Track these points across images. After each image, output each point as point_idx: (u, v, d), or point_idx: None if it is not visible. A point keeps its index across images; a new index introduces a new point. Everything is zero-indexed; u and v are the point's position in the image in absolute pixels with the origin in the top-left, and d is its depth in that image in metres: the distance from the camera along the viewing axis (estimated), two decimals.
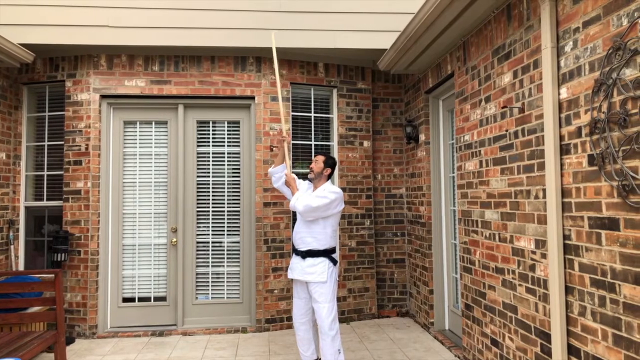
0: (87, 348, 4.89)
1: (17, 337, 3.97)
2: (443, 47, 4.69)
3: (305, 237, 3.93)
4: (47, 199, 5.52)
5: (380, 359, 4.51)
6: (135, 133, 5.63)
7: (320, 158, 4.09)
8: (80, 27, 5.16)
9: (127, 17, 5.19)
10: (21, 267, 5.44)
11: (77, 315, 5.23)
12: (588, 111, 2.65)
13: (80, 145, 5.34)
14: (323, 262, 3.87)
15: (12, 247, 5.33)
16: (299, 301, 4.01)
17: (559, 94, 2.92)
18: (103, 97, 5.45)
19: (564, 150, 2.87)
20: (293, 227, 4.27)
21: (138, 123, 5.63)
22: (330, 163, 4.09)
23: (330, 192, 3.92)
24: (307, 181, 4.19)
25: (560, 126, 2.90)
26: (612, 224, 2.48)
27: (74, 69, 5.43)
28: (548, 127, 2.94)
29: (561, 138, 2.90)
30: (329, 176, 4.11)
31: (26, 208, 5.52)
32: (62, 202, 5.37)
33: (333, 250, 3.97)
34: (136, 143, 5.62)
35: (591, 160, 2.64)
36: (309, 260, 3.89)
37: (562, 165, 2.89)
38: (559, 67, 2.92)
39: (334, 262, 3.94)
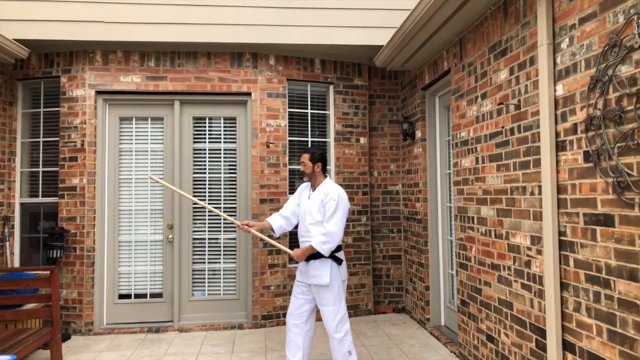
0: (83, 345, 4.89)
1: (13, 334, 3.97)
2: (439, 44, 4.69)
3: (307, 241, 3.76)
4: (43, 196, 5.50)
5: (377, 355, 4.53)
6: (131, 129, 5.61)
7: (306, 157, 3.84)
8: (76, 23, 5.12)
9: (123, 13, 5.15)
10: (16, 264, 5.42)
11: (72, 312, 5.22)
12: (584, 108, 2.66)
13: (75, 142, 5.32)
14: (326, 264, 3.69)
15: (7, 243, 5.30)
16: (296, 300, 3.85)
17: (555, 90, 2.92)
18: (98, 93, 5.43)
19: (559, 147, 2.88)
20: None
21: (134, 119, 5.61)
22: (317, 157, 3.83)
23: (331, 196, 3.71)
24: (304, 184, 4.03)
25: (556, 123, 2.91)
26: (607, 221, 2.49)
27: (69, 65, 5.40)
28: (544, 123, 2.95)
29: (557, 135, 2.90)
30: (324, 170, 3.90)
31: (21, 205, 5.50)
32: (57, 198, 5.35)
33: (338, 248, 3.77)
34: (132, 139, 5.60)
35: (587, 156, 2.65)
36: (312, 263, 3.73)
37: (557, 161, 2.90)
38: (555, 64, 2.93)
39: (339, 261, 3.75)
